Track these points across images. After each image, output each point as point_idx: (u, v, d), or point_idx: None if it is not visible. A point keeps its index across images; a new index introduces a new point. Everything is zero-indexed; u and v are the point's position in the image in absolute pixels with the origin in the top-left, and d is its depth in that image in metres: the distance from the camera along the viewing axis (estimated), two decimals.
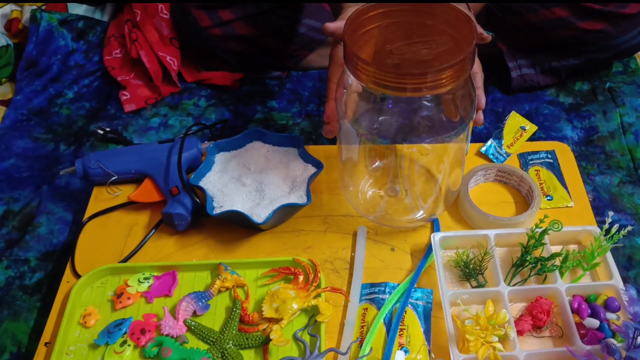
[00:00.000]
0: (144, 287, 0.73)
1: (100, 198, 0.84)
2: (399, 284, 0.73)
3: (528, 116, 1.00)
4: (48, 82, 1.10)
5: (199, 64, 1.12)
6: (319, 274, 0.72)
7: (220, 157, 0.82)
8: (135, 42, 1.08)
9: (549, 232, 0.72)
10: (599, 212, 0.84)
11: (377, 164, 0.84)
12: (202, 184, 0.78)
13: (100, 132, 0.98)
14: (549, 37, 1.00)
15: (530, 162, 0.88)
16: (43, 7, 1.14)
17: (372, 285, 0.73)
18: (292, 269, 0.73)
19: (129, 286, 0.73)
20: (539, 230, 0.72)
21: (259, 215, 0.74)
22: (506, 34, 1.02)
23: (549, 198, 0.83)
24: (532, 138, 0.93)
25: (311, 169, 0.80)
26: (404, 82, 0.58)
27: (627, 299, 0.63)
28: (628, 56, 1.08)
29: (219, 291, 0.73)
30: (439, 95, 0.64)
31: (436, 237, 0.74)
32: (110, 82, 1.11)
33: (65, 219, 0.87)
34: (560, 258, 0.71)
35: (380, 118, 0.69)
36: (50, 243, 0.84)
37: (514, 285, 0.71)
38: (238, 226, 0.79)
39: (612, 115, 1.01)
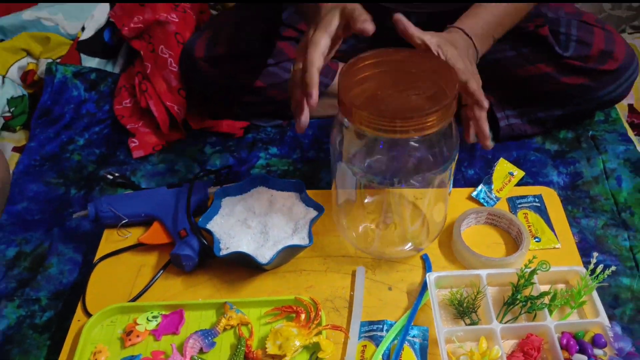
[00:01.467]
0: (153, 325, 0.76)
1: (110, 240, 0.88)
2: (396, 322, 0.76)
3: (516, 162, 1.05)
4: (61, 130, 1.16)
5: (205, 112, 1.18)
6: (319, 312, 0.75)
7: (226, 201, 0.87)
8: (145, 93, 1.14)
9: (538, 272, 0.76)
10: (585, 253, 0.88)
11: (368, 199, 0.90)
12: (209, 226, 0.82)
13: (110, 177, 1.03)
14: (535, 90, 1.07)
15: (519, 206, 0.92)
16: (58, 61, 1.21)
17: (371, 323, 0.77)
18: (294, 308, 0.76)
19: (138, 324, 0.76)
20: (528, 270, 0.76)
21: (264, 256, 0.78)
22: (495, 86, 1.09)
23: (537, 240, 0.87)
24: (520, 183, 0.99)
25: (313, 212, 0.85)
26: (393, 125, 0.65)
27: (612, 335, 0.67)
28: (609, 107, 1.14)
29: (225, 329, 0.76)
30: (426, 137, 0.69)
31: (431, 277, 0.78)
32: (119, 130, 1.17)
33: (75, 260, 0.91)
34: (549, 297, 0.75)
35: (373, 158, 0.76)
36: (61, 283, 0.88)
37: (505, 322, 0.74)
38: (243, 267, 0.83)
39: (596, 161, 1.07)
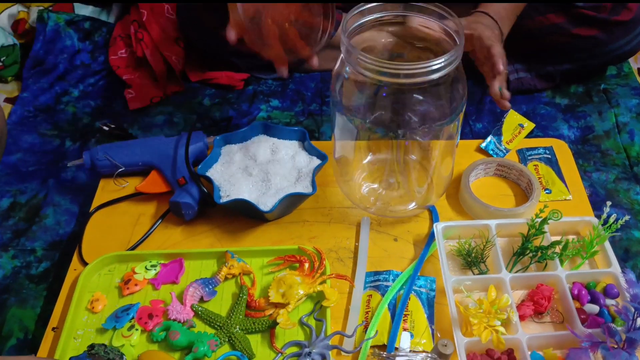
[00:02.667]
0: (151, 274, 0.74)
1: (107, 189, 0.85)
2: (402, 272, 0.74)
3: (526, 116, 1.02)
4: (54, 81, 1.12)
5: (204, 64, 1.14)
6: (324, 262, 0.73)
7: (226, 150, 0.84)
8: (141, 42, 1.10)
9: (549, 221, 0.74)
10: (596, 206, 0.86)
11: (369, 157, 0.86)
12: (209, 174, 0.80)
13: (106, 128, 1.00)
14: (544, 43, 1.03)
15: (529, 158, 0.90)
16: (50, 8, 1.16)
17: (377, 273, 0.75)
18: (298, 257, 0.74)
19: (136, 273, 0.74)
20: (539, 219, 0.73)
21: (266, 204, 0.76)
22: (505, 39, 1.05)
23: (547, 192, 0.85)
24: (529, 136, 0.96)
25: (316, 161, 0.82)
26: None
27: (626, 281, 0.65)
28: (622, 61, 1.11)
29: (226, 278, 0.74)
30: (431, 88, 0.66)
31: (439, 227, 0.75)
32: (115, 81, 1.13)
33: (71, 211, 0.88)
34: (560, 246, 0.73)
35: (375, 110, 0.73)
36: (57, 233, 0.85)
37: (515, 273, 0.72)
38: (244, 216, 0.80)
39: (607, 115, 1.04)
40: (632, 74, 1.13)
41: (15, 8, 1.16)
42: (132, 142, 0.87)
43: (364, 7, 0.70)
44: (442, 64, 0.62)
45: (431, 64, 0.62)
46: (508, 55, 1.07)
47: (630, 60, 1.15)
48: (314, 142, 0.86)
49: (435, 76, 0.63)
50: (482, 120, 1.04)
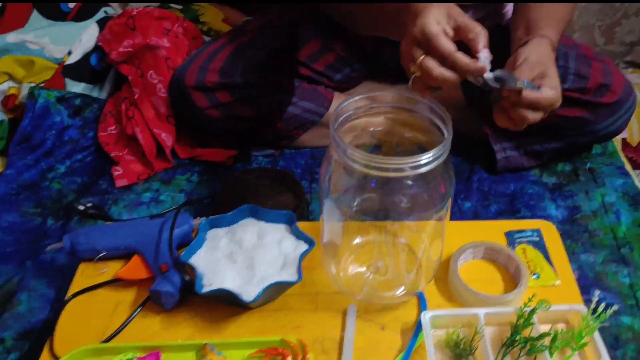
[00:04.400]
0: None
1: (85, 275, 0.83)
2: None
3: (514, 195, 1.03)
4: (41, 156, 1.11)
5: (194, 140, 1.15)
6: (307, 355, 0.70)
7: (212, 234, 0.83)
8: (132, 119, 1.10)
9: (538, 311, 0.72)
10: (585, 290, 0.85)
11: (358, 240, 0.85)
12: (192, 261, 0.78)
13: (81, 207, 0.98)
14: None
15: (517, 241, 0.89)
16: (41, 85, 1.17)
17: None
18: (280, 350, 0.71)
19: None
20: (528, 309, 0.72)
21: (249, 293, 0.74)
22: (492, 118, 1.07)
23: (535, 276, 0.83)
24: (517, 217, 0.96)
25: (303, 246, 0.81)
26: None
27: None
28: (606, 140, 1.12)
29: None
30: (421, 175, 0.66)
31: (426, 316, 0.73)
32: (103, 157, 1.13)
33: (47, 296, 0.86)
34: (549, 338, 0.71)
35: (363, 196, 0.72)
36: (29, 322, 0.82)
37: None
38: (226, 304, 0.78)
39: (594, 194, 1.04)
40: (617, 153, 1.14)
41: (7, 84, 1.18)
42: (114, 224, 0.86)
43: (355, 99, 0.71)
44: (431, 159, 0.63)
45: (419, 158, 0.62)
46: (496, 135, 1.09)
47: (615, 138, 1.16)
48: (303, 222, 0.85)
49: (423, 170, 0.63)
50: (470, 199, 1.05)
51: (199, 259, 0.79)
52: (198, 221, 0.87)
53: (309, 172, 1.12)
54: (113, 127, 1.14)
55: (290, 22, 1.13)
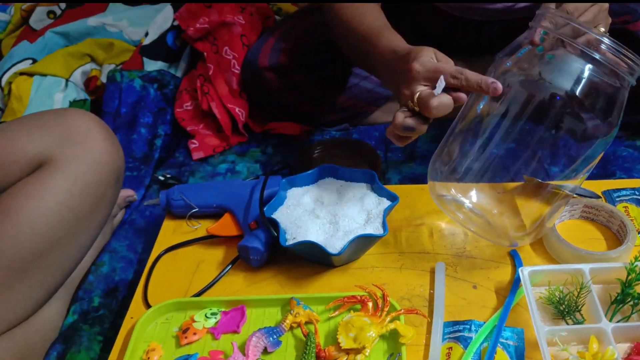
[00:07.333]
0: (211, 322, 0.70)
1: (168, 233, 0.83)
2: (485, 322, 0.67)
3: (606, 159, 0.96)
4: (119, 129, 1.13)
5: (267, 115, 1.14)
6: (387, 298, 0.67)
7: (292, 192, 0.81)
8: (207, 95, 1.11)
9: None
10: None
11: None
12: (275, 216, 0.76)
13: (162, 178, 1.00)
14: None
15: (617, 199, 0.82)
16: (120, 67, 1.20)
17: (456, 323, 0.68)
18: (359, 297, 0.68)
19: (195, 322, 0.70)
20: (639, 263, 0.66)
21: (334, 246, 0.71)
22: None
23: None
24: (614, 177, 0.89)
25: (386, 202, 0.78)
26: None
27: None
28: None
29: (291, 327, 0.69)
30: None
31: (525, 272, 0.68)
32: (179, 133, 1.14)
33: (127, 258, 0.87)
34: None
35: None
36: (113, 281, 0.84)
37: (616, 322, 0.63)
38: (309, 263, 0.76)
39: None
40: None
41: (89, 66, 1.22)
42: (208, 183, 0.89)
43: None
44: None
45: None
46: None
47: None
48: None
49: None
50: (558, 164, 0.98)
51: (281, 215, 0.77)
52: None
53: (383, 143, 1.09)
54: (189, 104, 1.16)
55: None
